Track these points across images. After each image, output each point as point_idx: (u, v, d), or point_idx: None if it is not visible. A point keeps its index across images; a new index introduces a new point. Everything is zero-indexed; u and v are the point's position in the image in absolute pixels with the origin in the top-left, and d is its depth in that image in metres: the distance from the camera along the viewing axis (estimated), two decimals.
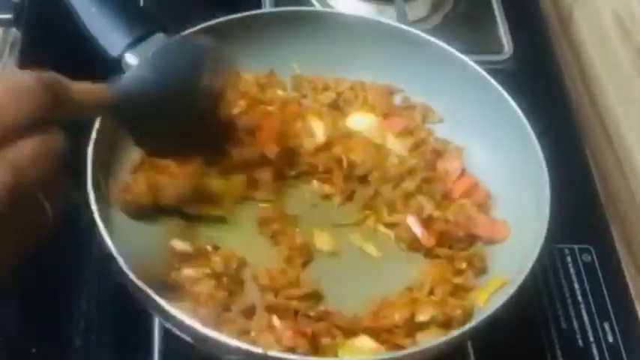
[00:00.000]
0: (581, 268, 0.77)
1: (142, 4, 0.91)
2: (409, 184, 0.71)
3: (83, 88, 0.53)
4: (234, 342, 0.55)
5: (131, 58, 0.70)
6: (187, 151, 0.67)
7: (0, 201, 0.44)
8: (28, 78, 0.47)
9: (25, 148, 0.46)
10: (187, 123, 0.63)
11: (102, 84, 0.55)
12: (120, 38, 0.70)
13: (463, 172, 0.73)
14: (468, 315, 0.63)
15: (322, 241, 0.68)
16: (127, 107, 0.57)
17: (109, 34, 0.70)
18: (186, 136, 0.64)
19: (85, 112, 0.54)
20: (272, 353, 0.56)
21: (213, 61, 0.65)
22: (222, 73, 0.67)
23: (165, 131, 0.61)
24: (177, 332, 0.58)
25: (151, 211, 0.67)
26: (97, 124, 0.65)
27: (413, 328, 0.62)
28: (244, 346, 0.55)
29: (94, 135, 0.65)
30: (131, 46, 0.70)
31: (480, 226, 0.69)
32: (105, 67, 0.71)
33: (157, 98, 0.59)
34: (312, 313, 0.62)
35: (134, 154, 0.69)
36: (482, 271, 0.67)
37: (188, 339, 0.58)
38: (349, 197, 0.71)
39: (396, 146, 0.74)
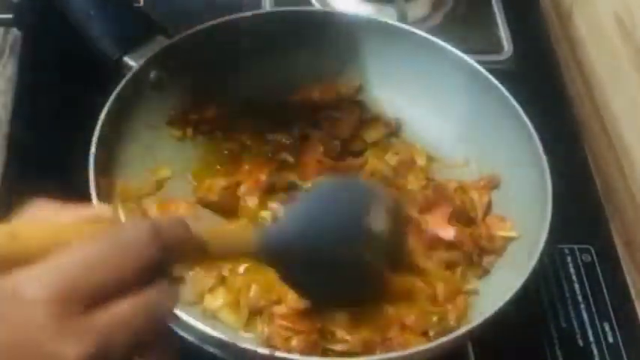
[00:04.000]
0: (581, 268, 0.77)
1: (142, 4, 0.91)
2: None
3: (222, 233, 0.49)
4: (237, 343, 0.55)
5: (130, 61, 0.70)
6: (355, 301, 0.59)
7: None
8: (138, 231, 0.43)
9: (119, 311, 0.41)
10: (352, 272, 0.56)
11: (245, 227, 0.54)
12: (119, 41, 0.70)
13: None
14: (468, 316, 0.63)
15: None
16: (278, 255, 0.51)
17: (107, 37, 0.71)
18: (352, 286, 0.57)
19: (222, 258, 0.50)
20: (279, 354, 0.56)
21: (376, 203, 0.57)
22: (390, 216, 0.58)
23: (322, 282, 0.54)
24: (180, 332, 0.58)
25: None
26: (99, 125, 0.65)
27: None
28: (249, 346, 0.56)
29: (95, 135, 0.65)
30: (130, 48, 0.70)
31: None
32: (105, 66, 0.72)
33: (311, 247, 0.52)
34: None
35: (136, 153, 0.69)
36: (484, 272, 0.68)
37: (191, 339, 0.58)
38: None
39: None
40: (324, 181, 0.64)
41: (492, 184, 0.72)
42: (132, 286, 0.41)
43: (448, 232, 0.68)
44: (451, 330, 0.61)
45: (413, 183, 0.72)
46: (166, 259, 0.43)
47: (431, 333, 0.62)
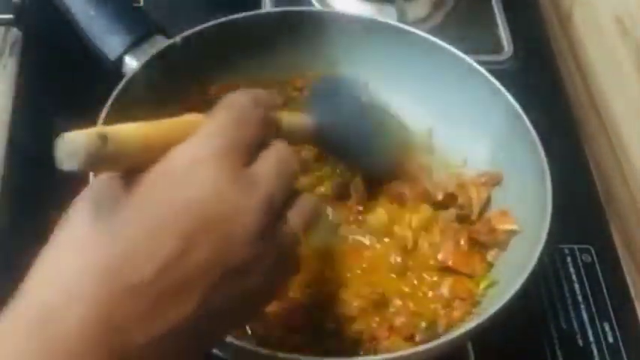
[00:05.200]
0: (581, 268, 0.77)
1: (142, 4, 0.91)
2: None
3: (289, 118, 0.56)
4: (237, 342, 0.55)
5: (130, 61, 0.70)
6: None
7: (263, 211, 0.45)
8: (243, 100, 0.48)
9: (271, 161, 0.47)
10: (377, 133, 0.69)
11: (303, 115, 0.61)
12: (119, 41, 0.70)
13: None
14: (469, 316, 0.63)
15: None
16: (329, 135, 0.62)
17: (107, 37, 0.71)
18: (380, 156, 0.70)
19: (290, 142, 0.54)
20: (281, 354, 0.56)
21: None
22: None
23: (363, 152, 0.68)
24: None
25: None
26: (101, 117, 0.65)
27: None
28: (248, 346, 0.56)
29: None
30: (130, 48, 0.70)
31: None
32: (105, 66, 0.71)
33: (349, 125, 0.65)
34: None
35: None
36: (488, 266, 0.68)
37: None
38: None
39: None
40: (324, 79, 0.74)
41: (493, 181, 0.72)
42: (265, 141, 0.48)
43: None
44: (438, 337, 0.61)
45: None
46: (271, 121, 0.50)
47: (417, 338, 0.62)
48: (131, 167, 0.44)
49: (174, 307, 0.42)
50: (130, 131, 0.43)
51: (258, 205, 0.44)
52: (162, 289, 0.41)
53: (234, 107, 0.48)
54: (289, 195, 0.48)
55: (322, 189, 0.71)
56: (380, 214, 0.70)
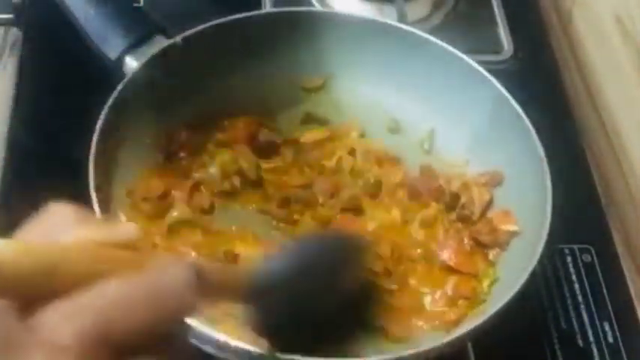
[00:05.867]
0: (581, 268, 0.77)
1: (142, 4, 0.91)
2: None
3: (221, 274, 0.46)
4: (235, 342, 0.55)
5: (130, 61, 0.70)
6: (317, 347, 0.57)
7: None
8: (180, 275, 0.38)
9: None
10: (320, 319, 0.56)
11: (240, 269, 0.54)
12: (119, 41, 0.70)
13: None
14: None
15: None
16: (264, 296, 0.49)
17: (107, 37, 0.71)
18: (317, 333, 0.56)
19: (217, 301, 0.47)
20: (281, 354, 0.56)
21: (353, 260, 0.60)
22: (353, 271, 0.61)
23: (296, 325, 0.54)
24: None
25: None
26: (99, 125, 0.65)
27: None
28: (247, 346, 0.56)
29: (95, 135, 0.65)
30: (130, 48, 0.70)
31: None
32: (105, 66, 0.71)
33: (295, 291, 0.52)
34: None
35: (138, 156, 0.69)
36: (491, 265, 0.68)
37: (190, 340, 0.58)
38: None
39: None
40: (308, 236, 0.66)
41: (494, 181, 0.72)
42: (163, 336, 0.38)
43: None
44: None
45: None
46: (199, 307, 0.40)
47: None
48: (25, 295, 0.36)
49: None
50: (76, 256, 0.37)
51: None
52: None
53: (159, 282, 0.38)
54: None
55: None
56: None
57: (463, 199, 0.71)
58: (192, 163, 0.71)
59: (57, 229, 0.39)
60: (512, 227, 0.68)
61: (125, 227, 0.41)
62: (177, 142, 0.72)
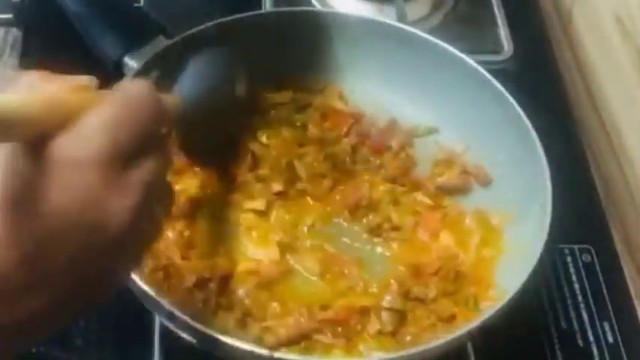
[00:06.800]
0: (581, 268, 0.77)
1: (142, 4, 0.91)
2: None
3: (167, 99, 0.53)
4: (236, 342, 0.55)
5: (130, 61, 0.70)
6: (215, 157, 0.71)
7: (130, 220, 0.44)
8: (141, 89, 0.47)
9: (151, 165, 0.46)
10: (221, 127, 0.69)
11: (172, 94, 0.59)
12: (119, 41, 0.70)
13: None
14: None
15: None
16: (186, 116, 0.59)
17: (107, 37, 0.71)
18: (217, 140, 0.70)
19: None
20: (278, 354, 0.56)
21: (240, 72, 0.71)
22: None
23: (205, 136, 0.67)
24: (179, 332, 0.58)
25: None
26: None
27: None
28: (248, 346, 0.56)
29: None
30: (130, 48, 0.70)
31: None
32: (105, 66, 0.71)
33: (204, 105, 0.63)
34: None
35: None
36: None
37: (189, 339, 0.58)
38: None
39: None
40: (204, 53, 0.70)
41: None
42: (152, 139, 0.46)
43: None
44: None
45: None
46: (163, 116, 0.48)
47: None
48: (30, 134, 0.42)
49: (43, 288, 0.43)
50: (21, 103, 0.42)
51: (129, 212, 0.45)
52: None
53: (127, 99, 0.46)
54: (162, 194, 0.50)
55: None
56: None
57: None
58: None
59: (29, 87, 0.45)
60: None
61: (81, 77, 0.48)
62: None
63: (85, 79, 0.48)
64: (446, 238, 0.70)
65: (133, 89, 0.47)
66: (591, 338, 0.72)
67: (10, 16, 0.89)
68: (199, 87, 0.64)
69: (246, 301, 0.63)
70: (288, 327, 0.61)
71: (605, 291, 0.75)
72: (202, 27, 0.73)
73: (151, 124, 0.46)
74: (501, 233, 0.70)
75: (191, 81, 0.64)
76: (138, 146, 0.45)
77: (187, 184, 0.69)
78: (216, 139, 0.70)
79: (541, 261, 0.61)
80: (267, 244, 0.67)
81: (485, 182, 0.73)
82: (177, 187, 0.67)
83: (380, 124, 0.76)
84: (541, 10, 1.00)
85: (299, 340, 0.61)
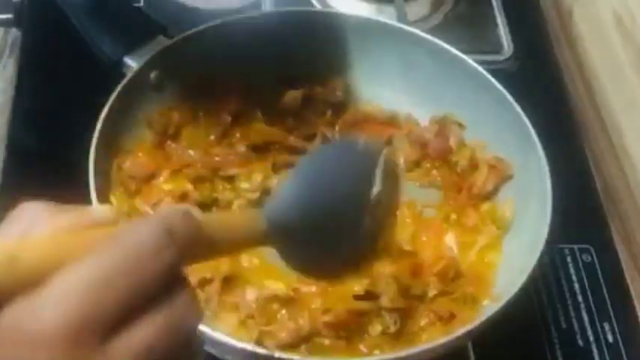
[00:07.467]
0: (581, 268, 0.77)
1: (142, 4, 0.91)
2: None
3: (225, 223, 0.42)
4: (237, 343, 0.55)
5: (130, 61, 0.70)
6: (344, 270, 0.55)
7: None
8: (150, 232, 0.36)
9: (142, 336, 0.35)
10: (351, 244, 0.52)
11: (250, 212, 0.49)
12: (119, 41, 0.70)
13: None
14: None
15: None
16: (283, 233, 0.45)
17: (107, 37, 0.71)
18: (347, 257, 0.52)
19: (230, 251, 0.44)
20: (278, 354, 0.56)
21: (384, 170, 0.53)
22: (391, 184, 0.54)
23: (324, 252, 0.50)
24: None
25: None
26: (99, 125, 0.65)
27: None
28: (249, 347, 0.56)
29: (96, 135, 0.65)
30: (130, 48, 0.70)
31: None
32: (105, 66, 0.71)
33: (315, 217, 0.48)
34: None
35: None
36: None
37: None
38: None
39: None
40: (323, 147, 0.64)
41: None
42: (151, 299, 0.35)
43: None
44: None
45: None
46: (182, 261, 0.37)
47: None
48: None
49: None
50: (43, 247, 0.35)
51: None
52: None
53: (130, 246, 0.35)
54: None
55: None
56: None
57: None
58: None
59: (29, 225, 0.37)
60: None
61: (99, 209, 0.40)
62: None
63: (101, 211, 0.39)
64: (447, 239, 0.70)
65: (140, 234, 0.36)
66: (591, 338, 0.72)
67: (10, 16, 0.89)
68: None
69: (253, 305, 0.63)
70: (289, 330, 0.61)
71: (605, 291, 0.75)
72: (202, 27, 0.73)
73: (153, 281, 0.35)
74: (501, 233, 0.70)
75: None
76: (129, 309, 0.35)
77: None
78: None
79: (541, 261, 0.61)
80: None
81: (508, 175, 0.72)
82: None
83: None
84: (541, 10, 1.00)
85: (299, 343, 0.61)
